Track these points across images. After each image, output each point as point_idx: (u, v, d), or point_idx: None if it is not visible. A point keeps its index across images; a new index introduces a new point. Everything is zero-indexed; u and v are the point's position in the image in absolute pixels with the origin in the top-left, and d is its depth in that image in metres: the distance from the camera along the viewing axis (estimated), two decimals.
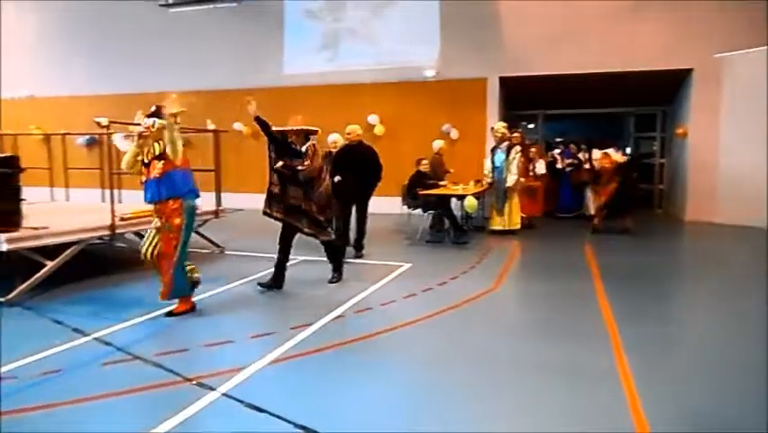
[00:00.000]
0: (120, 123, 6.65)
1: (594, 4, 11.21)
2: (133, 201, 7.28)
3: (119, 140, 8.49)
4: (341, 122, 12.91)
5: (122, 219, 6.09)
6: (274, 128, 5.56)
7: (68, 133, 9.35)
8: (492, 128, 9.72)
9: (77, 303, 5.07)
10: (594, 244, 8.55)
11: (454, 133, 12.15)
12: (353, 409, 3.02)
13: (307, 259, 7.09)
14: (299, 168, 5.48)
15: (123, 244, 6.69)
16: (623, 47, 11.07)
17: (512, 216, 9.30)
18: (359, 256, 7.30)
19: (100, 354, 3.76)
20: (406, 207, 9.49)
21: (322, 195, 5.74)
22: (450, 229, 8.79)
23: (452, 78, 12.17)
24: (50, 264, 5.27)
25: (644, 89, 12.50)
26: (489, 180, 9.43)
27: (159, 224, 4.64)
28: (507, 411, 3.01)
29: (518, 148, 9.35)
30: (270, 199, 5.61)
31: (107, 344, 3.96)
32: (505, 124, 9.65)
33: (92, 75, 14.96)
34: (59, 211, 7.18)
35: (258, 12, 13.57)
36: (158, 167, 4.54)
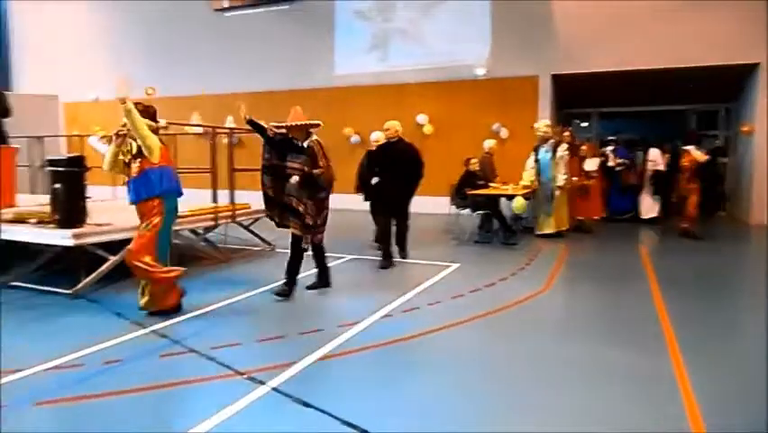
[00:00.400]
0: (177, 123, 6.89)
1: None
2: (190, 199, 7.54)
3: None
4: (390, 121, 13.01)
5: (178, 216, 6.30)
6: (272, 125, 5.33)
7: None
8: (533, 127, 9.26)
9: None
10: (650, 246, 8.25)
11: (504, 133, 11.98)
12: (400, 408, 3.03)
13: (356, 257, 7.16)
14: (315, 172, 5.13)
15: (177, 241, 6.92)
16: (683, 41, 10.63)
17: (559, 217, 8.88)
18: (403, 257, 7.18)
19: (158, 347, 3.92)
20: (454, 207, 9.42)
21: (321, 195, 5.29)
22: (499, 230, 8.68)
23: (502, 77, 12.01)
24: (112, 259, 5.52)
25: (706, 85, 11.96)
26: (530, 180, 8.91)
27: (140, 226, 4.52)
28: (558, 413, 2.95)
29: (565, 146, 8.91)
30: (268, 203, 5.39)
31: (164, 336, 4.12)
32: (548, 123, 9.23)
33: (150, 78, 15.49)
34: (120, 208, 7.50)
35: (309, 14, 13.79)
36: (134, 167, 4.50)
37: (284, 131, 5.30)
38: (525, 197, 8.56)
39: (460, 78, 12.38)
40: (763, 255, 8.34)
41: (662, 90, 12.36)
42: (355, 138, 13.08)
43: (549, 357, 3.80)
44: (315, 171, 5.13)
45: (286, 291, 5.28)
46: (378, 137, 7.73)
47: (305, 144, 5.23)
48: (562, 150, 8.77)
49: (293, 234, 5.35)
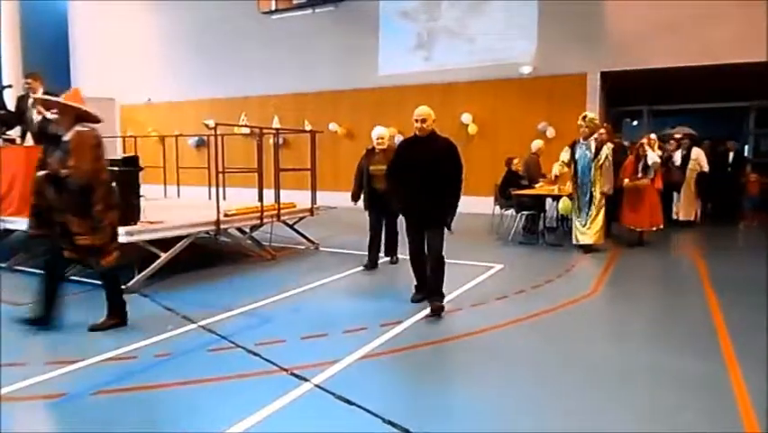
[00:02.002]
0: (225, 124, 7.06)
1: None
2: (237, 198, 7.74)
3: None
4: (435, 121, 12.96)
5: (225, 215, 6.47)
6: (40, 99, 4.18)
7: (180, 135, 10.09)
8: (585, 117, 7.76)
9: (187, 292, 5.47)
10: (702, 249, 7.93)
11: (551, 132, 11.74)
12: (442, 408, 3.02)
13: (399, 256, 7.16)
14: (63, 172, 3.92)
15: (226, 239, 7.11)
16: (739, 35, 10.14)
17: (594, 227, 7.58)
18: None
19: (206, 342, 4.03)
20: (498, 207, 9.30)
21: (101, 209, 4.06)
22: (544, 231, 8.51)
23: (549, 75, 11.75)
24: (163, 256, 5.71)
25: (765, 81, 11.38)
26: (558, 171, 7.76)
27: None
28: (607, 417, 2.87)
29: (610, 145, 7.79)
30: (39, 217, 4.21)
31: (212, 332, 4.23)
32: (595, 115, 8.22)
33: (199, 80, 16.03)
34: (171, 207, 7.76)
35: (353, 15, 13.87)
36: None
37: (53, 115, 4.16)
38: (571, 197, 7.99)
39: (505, 76, 12.20)
40: None
41: (717, 86, 11.83)
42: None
43: (594, 360, 3.71)
44: (62, 171, 3.93)
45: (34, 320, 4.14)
46: (381, 133, 6.57)
47: (66, 137, 4.02)
48: (608, 148, 7.63)
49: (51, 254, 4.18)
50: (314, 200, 7.98)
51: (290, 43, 14.66)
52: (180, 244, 5.94)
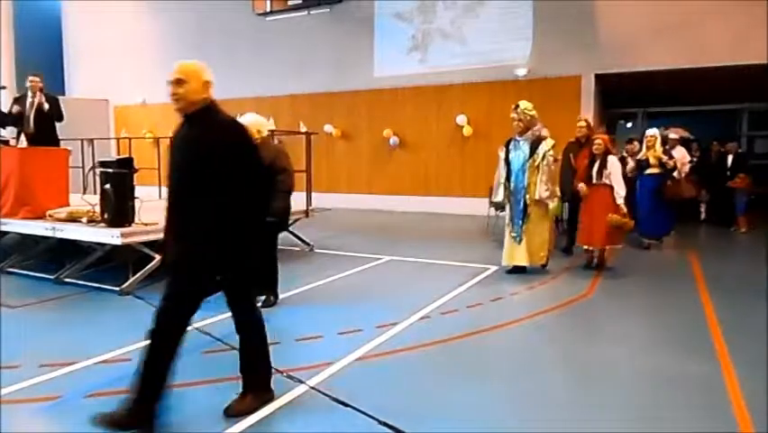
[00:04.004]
0: None
1: None
2: None
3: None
4: (430, 122, 13.03)
5: None
6: None
7: None
8: (516, 107, 6.31)
9: None
10: (699, 250, 7.96)
11: (545, 133, 11.77)
12: (437, 409, 3.02)
13: (393, 258, 7.17)
14: None
15: None
16: (732, 38, 10.22)
17: (532, 244, 6.21)
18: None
19: (201, 344, 4.01)
20: (493, 208, 9.33)
21: None
22: None
23: (544, 77, 11.81)
24: (158, 257, 5.69)
25: (758, 84, 11.47)
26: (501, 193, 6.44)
27: None
28: (600, 416, 2.88)
29: (551, 142, 6.36)
30: None
31: (207, 334, 4.22)
32: (530, 105, 6.38)
33: None
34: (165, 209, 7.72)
35: (349, 17, 13.89)
36: None
37: None
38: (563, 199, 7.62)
39: (500, 78, 12.24)
40: None
41: (711, 89, 11.91)
42: (394, 140, 13.11)
43: (589, 362, 3.72)
44: None
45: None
46: (252, 120, 4.68)
47: None
48: (548, 146, 6.23)
49: None
50: (309, 202, 7.98)
51: (285, 45, 14.65)
52: None
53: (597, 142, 6.65)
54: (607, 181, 6.40)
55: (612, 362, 3.72)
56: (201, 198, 2.70)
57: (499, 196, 6.47)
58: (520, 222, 6.22)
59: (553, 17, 11.73)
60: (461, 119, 12.42)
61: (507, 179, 6.34)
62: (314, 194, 8.19)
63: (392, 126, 13.18)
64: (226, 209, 2.68)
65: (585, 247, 6.67)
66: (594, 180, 6.51)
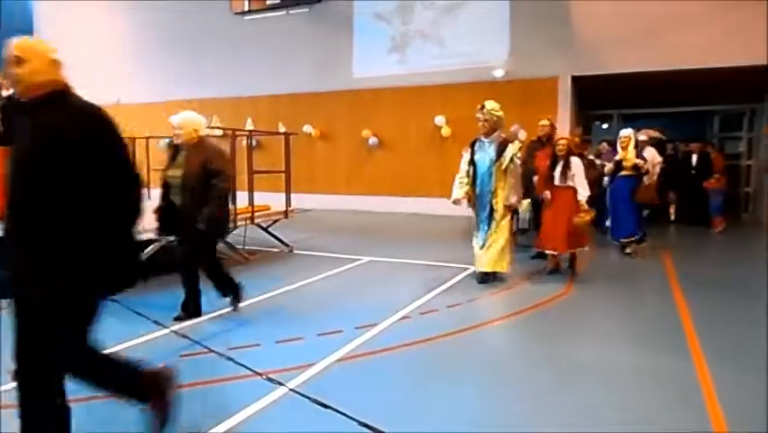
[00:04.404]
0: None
1: None
2: None
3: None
4: (409, 123, 13.05)
5: None
6: None
7: (151, 137, 9.93)
8: (482, 107, 6.00)
9: (158, 297, 5.37)
10: (672, 251, 8.11)
11: (522, 135, 11.87)
12: (417, 410, 3.03)
13: (372, 259, 7.16)
14: None
15: None
16: (706, 42, 10.45)
17: (493, 250, 5.88)
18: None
19: (178, 347, 3.96)
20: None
21: None
22: (516, 232, 8.60)
23: (522, 78, 11.93)
24: None
25: (730, 86, 11.75)
26: (463, 192, 6.14)
27: None
28: (578, 415, 2.92)
29: (518, 144, 6.20)
30: None
31: (184, 336, 4.17)
32: (496, 105, 6.03)
33: (171, 81, 15.79)
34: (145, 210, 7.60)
35: (328, 17, 13.85)
36: None
37: None
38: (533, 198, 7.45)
39: (479, 79, 12.33)
40: None
41: (684, 91, 12.16)
42: (373, 140, 13.11)
43: (566, 360, 3.76)
44: None
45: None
46: (181, 121, 4.57)
47: None
48: (515, 149, 5.93)
49: None
50: (288, 203, 7.93)
51: (264, 45, 14.55)
52: (151, 248, 5.83)
53: (561, 142, 6.50)
54: (570, 183, 6.27)
55: (591, 360, 3.77)
56: (47, 198, 2.18)
57: (455, 195, 6.18)
58: (486, 227, 5.95)
59: (530, 19, 11.86)
60: (440, 120, 12.47)
61: (473, 182, 6.06)
62: (293, 195, 8.14)
63: (371, 127, 13.18)
64: (80, 213, 2.21)
65: (550, 252, 6.46)
66: (557, 182, 6.37)
